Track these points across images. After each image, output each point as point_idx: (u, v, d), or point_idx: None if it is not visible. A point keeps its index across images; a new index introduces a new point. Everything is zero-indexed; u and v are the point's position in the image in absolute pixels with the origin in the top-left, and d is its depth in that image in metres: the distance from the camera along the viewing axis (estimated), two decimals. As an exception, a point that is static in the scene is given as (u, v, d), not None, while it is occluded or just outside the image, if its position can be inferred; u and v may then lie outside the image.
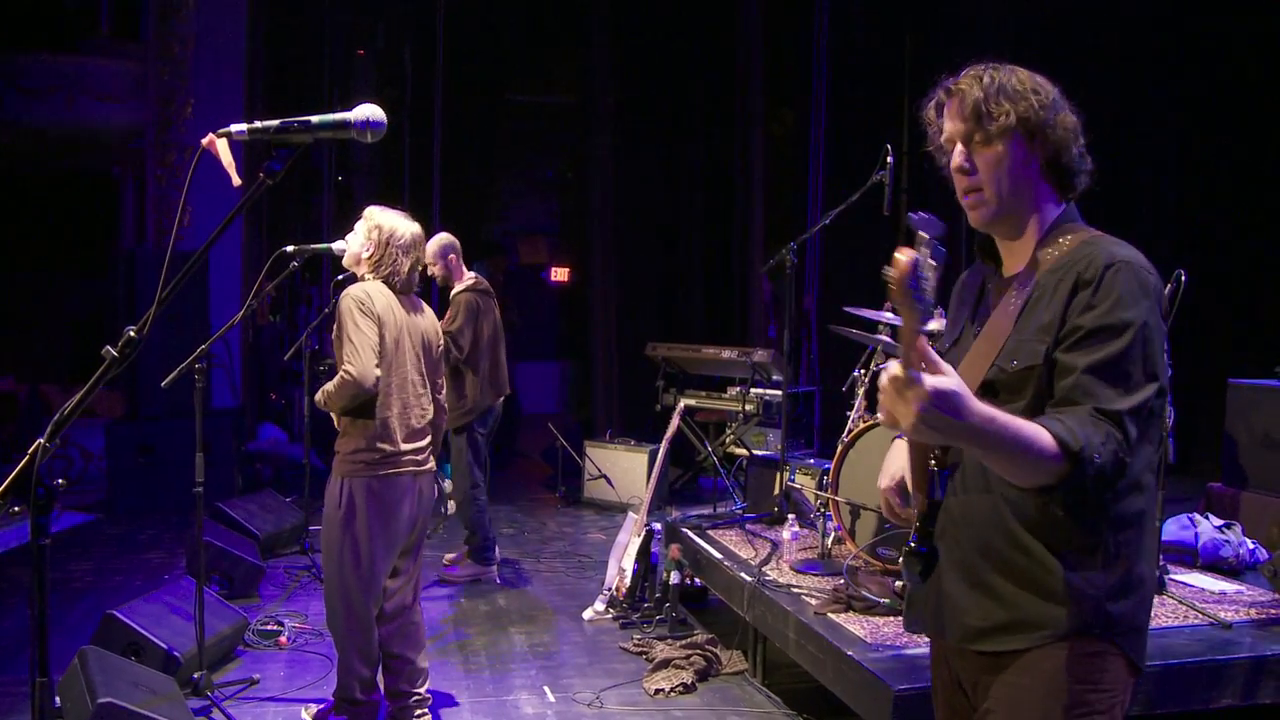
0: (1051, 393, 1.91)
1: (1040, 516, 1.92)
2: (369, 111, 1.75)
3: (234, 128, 1.75)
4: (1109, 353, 1.84)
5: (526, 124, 13.72)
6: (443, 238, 6.46)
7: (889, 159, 5.25)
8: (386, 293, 4.11)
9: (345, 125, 1.74)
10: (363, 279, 4.17)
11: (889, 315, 5.56)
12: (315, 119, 1.74)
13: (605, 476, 8.56)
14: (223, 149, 1.79)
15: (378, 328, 3.99)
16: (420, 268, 4.28)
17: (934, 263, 1.62)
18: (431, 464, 4.25)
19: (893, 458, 2.31)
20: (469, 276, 6.44)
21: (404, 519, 4.12)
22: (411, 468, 4.12)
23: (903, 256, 1.56)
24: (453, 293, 6.39)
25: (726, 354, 8.64)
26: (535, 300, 13.81)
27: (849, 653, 3.89)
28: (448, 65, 12.10)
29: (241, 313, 4.42)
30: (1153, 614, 2.19)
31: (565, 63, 12.50)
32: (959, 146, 2.03)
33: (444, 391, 4.45)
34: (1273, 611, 4.50)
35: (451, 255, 6.42)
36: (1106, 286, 1.87)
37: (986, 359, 2.01)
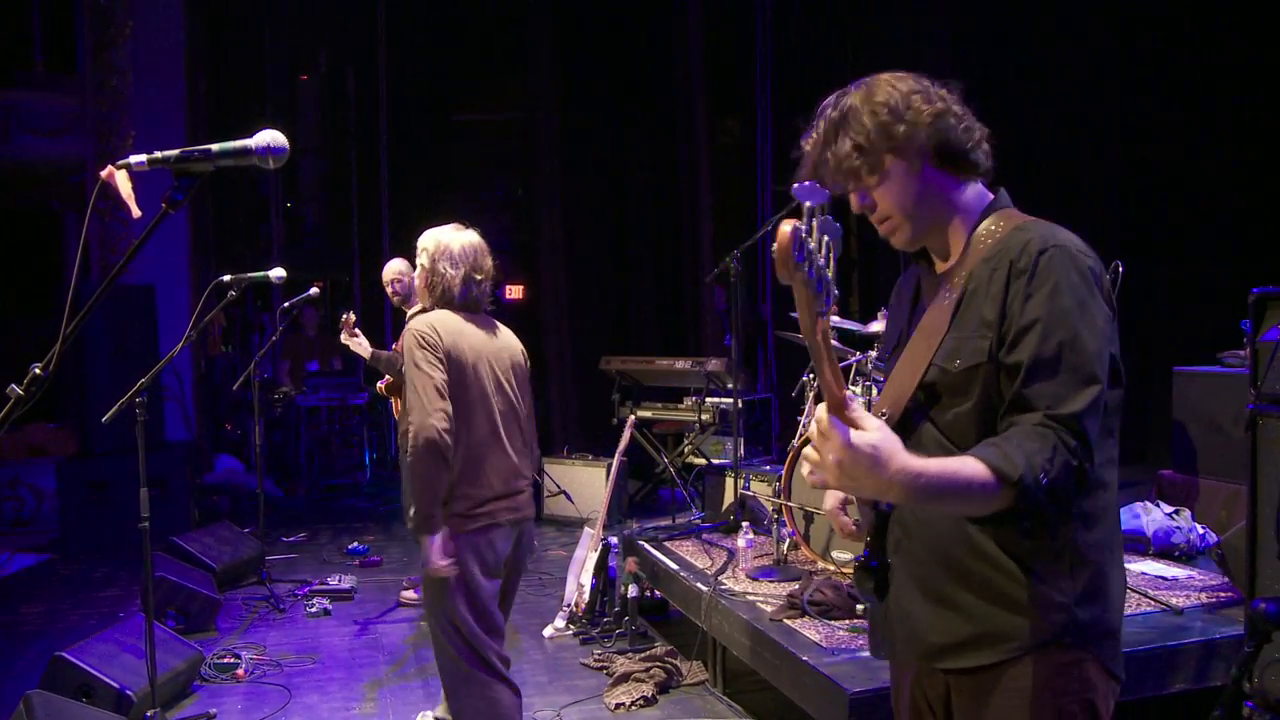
0: (1001, 394, 1.79)
1: (1001, 523, 1.79)
2: (270, 138, 1.73)
3: (133, 159, 1.72)
4: (1051, 347, 1.73)
5: (474, 143, 13.68)
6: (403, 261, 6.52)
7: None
8: (453, 317, 3.58)
9: (246, 152, 1.72)
10: (426, 310, 3.69)
11: (833, 319, 5.58)
12: (215, 147, 1.72)
13: (564, 492, 8.53)
14: (122, 181, 1.77)
15: (443, 361, 3.44)
16: (481, 280, 3.69)
17: (827, 238, 1.45)
18: (532, 509, 3.73)
19: None
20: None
21: (494, 574, 3.60)
22: (509, 515, 3.59)
23: (785, 226, 1.39)
24: (409, 314, 6.40)
25: (680, 364, 8.64)
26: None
27: (804, 658, 3.89)
28: (391, 87, 12.10)
29: (179, 345, 4.36)
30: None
31: (510, 80, 12.51)
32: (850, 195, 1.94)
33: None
34: (1222, 595, 4.55)
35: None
36: (1042, 273, 1.77)
37: (924, 358, 1.90)
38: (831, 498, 2.15)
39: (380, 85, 12.10)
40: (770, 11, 11.05)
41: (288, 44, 12.59)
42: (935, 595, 1.89)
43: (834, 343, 5.07)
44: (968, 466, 1.66)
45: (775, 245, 1.42)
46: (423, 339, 3.44)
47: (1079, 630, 1.81)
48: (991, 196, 1.98)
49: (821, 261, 1.44)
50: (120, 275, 1.76)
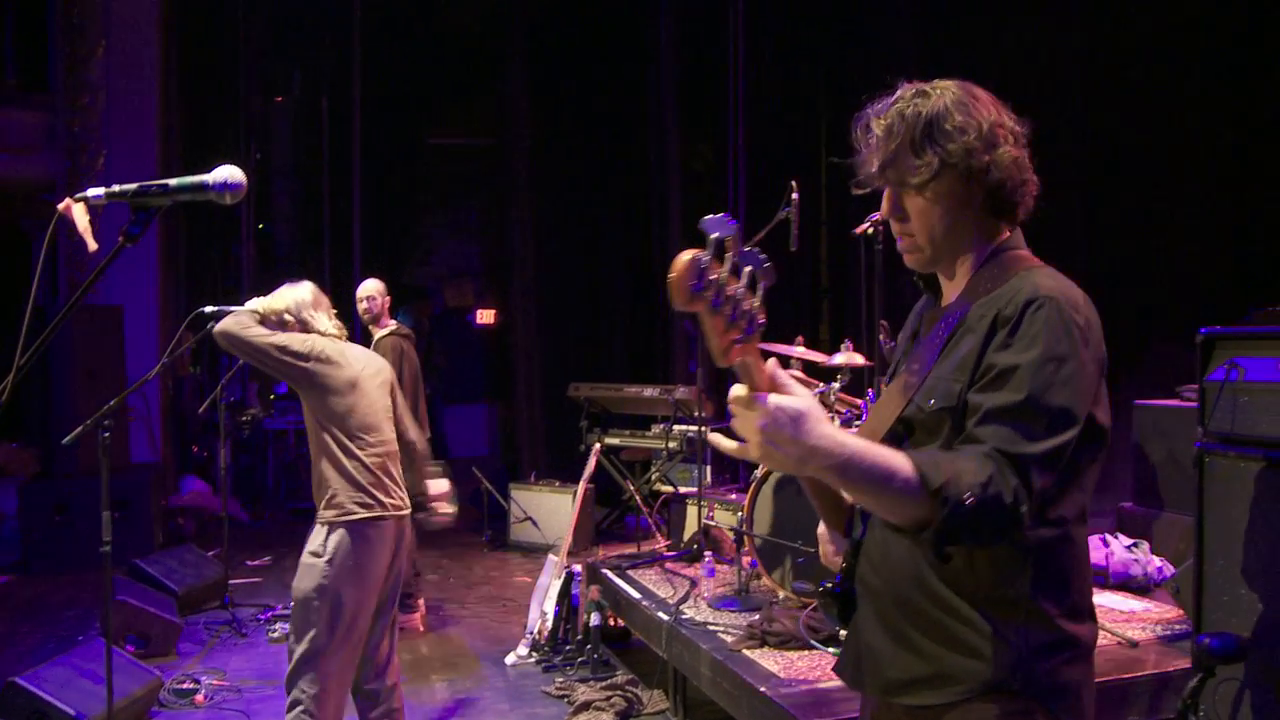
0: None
1: (958, 565, 1.77)
2: (227, 173, 1.76)
3: (90, 193, 1.75)
4: (1020, 395, 1.68)
5: (447, 167, 13.74)
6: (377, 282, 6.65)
7: (794, 195, 5.32)
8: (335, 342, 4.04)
9: (203, 188, 1.74)
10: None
11: (799, 350, 5.63)
12: (173, 182, 1.74)
13: (531, 519, 8.54)
14: (79, 214, 1.79)
15: (320, 352, 3.89)
16: (333, 313, 4.14)
17: (750, 268, 1.46)
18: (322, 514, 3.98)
19: None
20: (390, 323, 6.58)
21: None
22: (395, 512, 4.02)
23: (684, 255, 1.38)
24: (376, 338, 6.48)
25: (648, 392, 8.68)
26: (462, 343, 13.77)
27: (761, 689, 3.91)
28: (365, 110, 12.12)
29: (152, 372, 4.36)
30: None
31: (483, 105, 12.56)
32: (886, 191, 1.90)
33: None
34: (1177, 627, 4.60)
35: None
36: (1026, 324, 1.73)
37: (907, 393, 1.87)
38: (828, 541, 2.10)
39: (354, 108, 12.12)
40: (744, 38, 11.12)
41: (262, 65, 12.60)
42: (893, 632, 1.87)
43: (799, 375, 5.06)
44: (896, 459, 1.62)
45: (670, 275, 1.38)
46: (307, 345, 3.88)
47: (1031, 680, 1.77)
48: (1005, 235, 1.92)
49: (738, 290, 1.43)
50: (75, 307, 1.77)
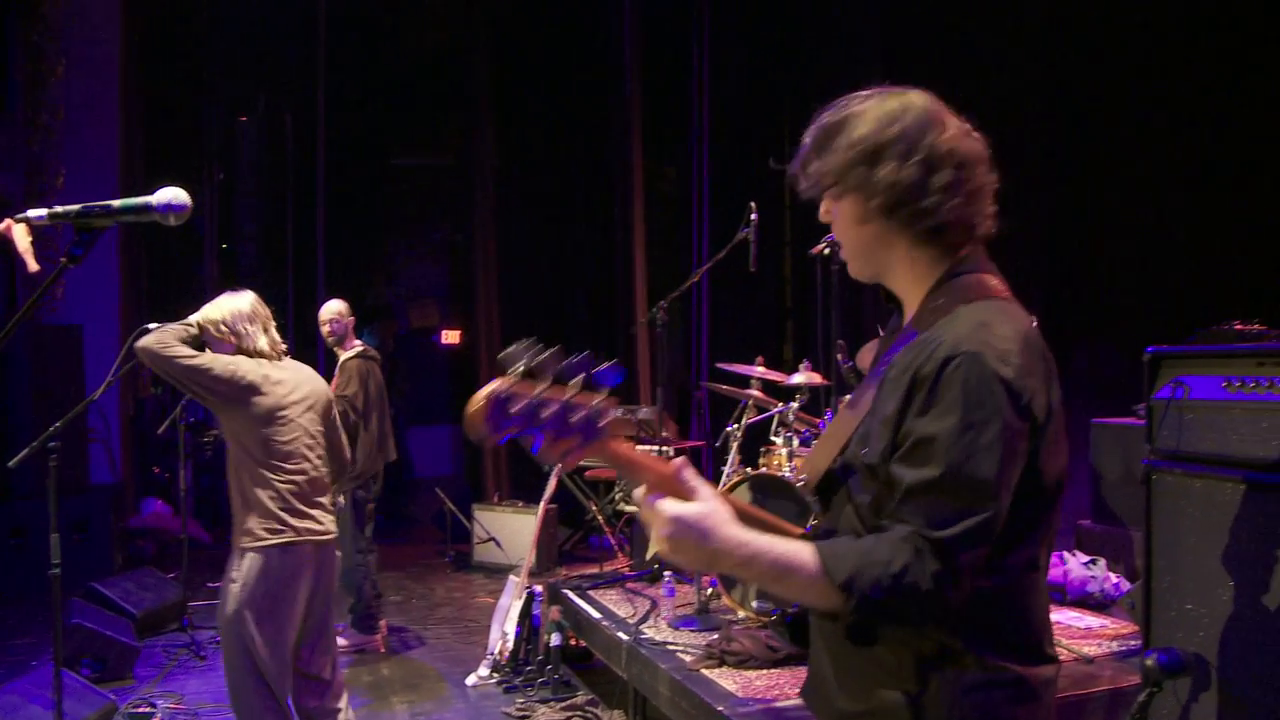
0: (891, 496, 1.68)
1: None
2: (171, 195, 1.76)
3: (32, 213, 1.75)
4: (938, 471, 1.60)
5: (412, 187, 13.74)
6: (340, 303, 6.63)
7: (753, 216, 5.35)
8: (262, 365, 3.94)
9: (147, 209, 1.75)
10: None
11: (759, 370, 5.66)
12: (116, 204, 1.74)
13: (494, 539, 8.51)
14: (19, 235, 1.79)
15: (241, 385, 3.79)
16: (275, 327, 4.07)
17: (582, 375, 1.51)
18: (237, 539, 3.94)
19: None
20: (356, 344, 6.55)
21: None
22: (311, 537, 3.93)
23: (480, 394, 1.42)
24: (341, 359, 6.47)
25: (612, 412, 8.68)
26: (427, 363, 13.73)
27: (719, 708, 3.91)
28: (330, 130, 12.10)
29: (97, 392, 4.34)
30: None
31: (448, 125, 12.58)
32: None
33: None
34: (1133, 642, 4.65)
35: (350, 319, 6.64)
36: (943, 386, 1.61)
37: (847, 431, 1.84)
38: None
39: (318, 127, 12.10)
40: (708, 61, 11.19)
41: (226, 85, 12.57)
42: (838, 663, 1.85)
43: (758, 394, 5.07)
44: (800, 555, 1.63)
45: (467, 409, 1.42)
46: (230, 369, 3.79)
47: (965, 718, 1.71)
48: (962, 253, 1.79)
49: (569, 398, 1.48)
50: (17, 327, 1.77)
